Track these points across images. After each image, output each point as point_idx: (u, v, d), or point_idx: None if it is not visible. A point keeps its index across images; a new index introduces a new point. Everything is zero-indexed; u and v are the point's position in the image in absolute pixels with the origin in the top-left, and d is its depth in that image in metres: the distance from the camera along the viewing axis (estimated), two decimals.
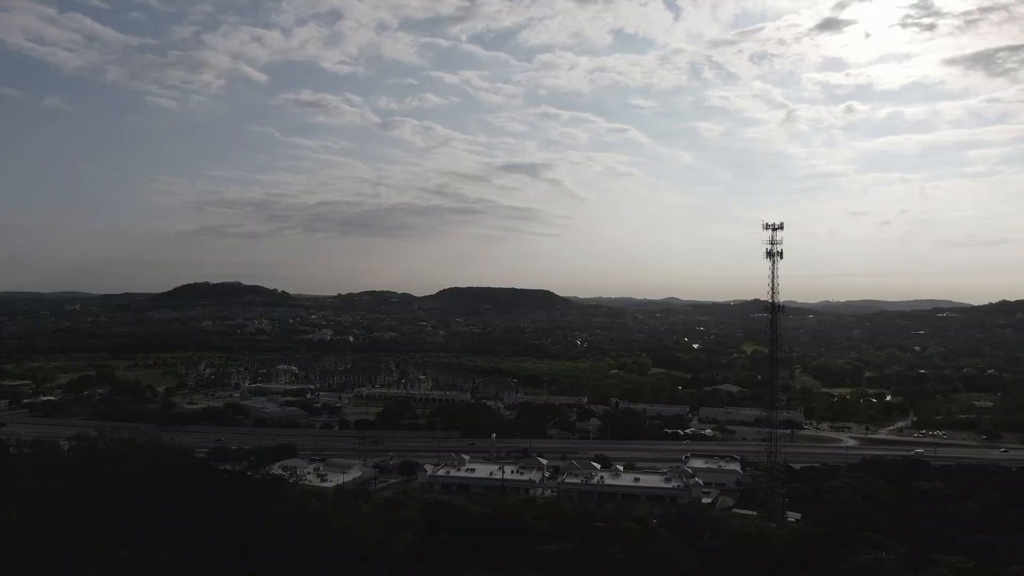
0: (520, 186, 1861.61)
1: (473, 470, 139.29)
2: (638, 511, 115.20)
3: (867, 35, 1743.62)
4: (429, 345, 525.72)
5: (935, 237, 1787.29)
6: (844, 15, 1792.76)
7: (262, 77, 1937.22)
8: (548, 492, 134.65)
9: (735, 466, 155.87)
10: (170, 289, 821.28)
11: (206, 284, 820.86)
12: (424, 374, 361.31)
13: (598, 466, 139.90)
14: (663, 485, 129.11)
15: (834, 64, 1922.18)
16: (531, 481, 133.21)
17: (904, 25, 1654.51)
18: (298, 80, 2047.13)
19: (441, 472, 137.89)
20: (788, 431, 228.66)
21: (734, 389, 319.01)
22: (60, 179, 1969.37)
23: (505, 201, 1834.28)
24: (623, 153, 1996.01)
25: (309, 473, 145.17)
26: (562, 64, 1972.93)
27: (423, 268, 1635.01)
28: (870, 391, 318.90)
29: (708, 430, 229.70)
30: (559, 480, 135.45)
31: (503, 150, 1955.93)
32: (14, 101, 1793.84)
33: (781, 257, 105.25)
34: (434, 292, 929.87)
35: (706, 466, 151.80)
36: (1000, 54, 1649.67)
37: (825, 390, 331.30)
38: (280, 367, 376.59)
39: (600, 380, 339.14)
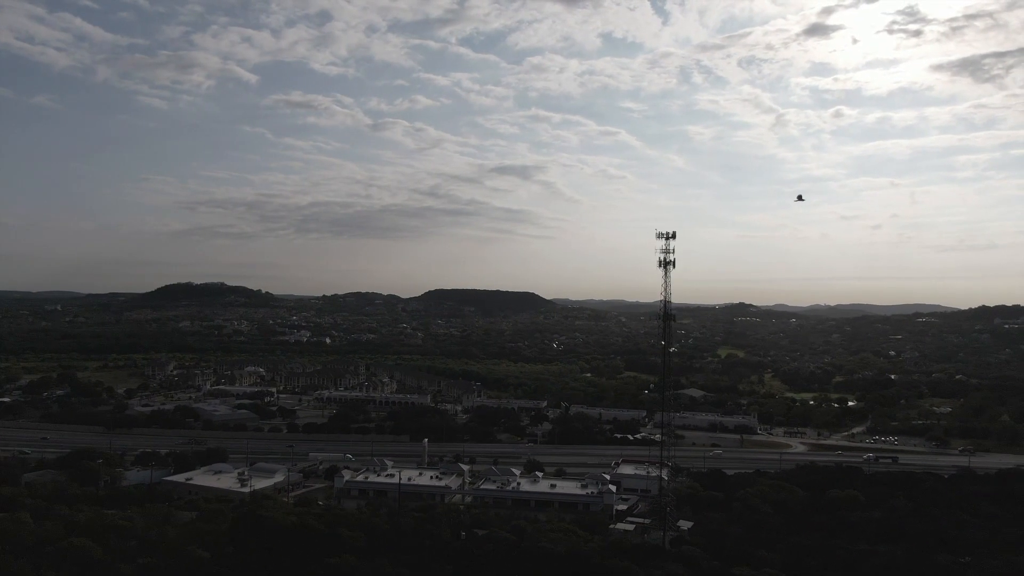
0: (512, 188, 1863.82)
1: (392, 476, 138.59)
2: (548, 517, 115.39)
3: (854, 40, 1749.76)
4: (406, 347, 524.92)
5: (926, 242, 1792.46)
6: (831, 20, 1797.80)
7: (252, 78, 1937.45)
8: (468, 499, 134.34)
9: (666, 473, 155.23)
10: (153, 289, 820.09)
11: (189, 284, 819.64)
12: (389, 377, 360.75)
13: (517, 472, 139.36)
14: (576, 492, 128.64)
15: (822, 69, 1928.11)
16: (447, 487, 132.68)
17: (891, 31, 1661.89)
18: (289, 81, 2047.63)
19: (359, 478, 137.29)
20: (738, 436, 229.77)
21: (698, 393, 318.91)
22: (51, 178, 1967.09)
23: (497, 203, 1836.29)
24: (615, 156, 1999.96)
25: (232, 478, 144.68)
26: (552, 67, 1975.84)
27: (411, 270, 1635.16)
28: (833, 396, 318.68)
29: (657, 435, 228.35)
30: (475, 486, 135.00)
31: (495, 152, 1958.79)
32: (3, 100, 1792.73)
33: (674, 266, 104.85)
34: (419, 294, 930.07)
35: (634, 472, 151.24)
36: (986, 60, 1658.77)
37: (791, 395, 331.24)
38: (248, 369, 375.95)
39: (566, 384, 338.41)
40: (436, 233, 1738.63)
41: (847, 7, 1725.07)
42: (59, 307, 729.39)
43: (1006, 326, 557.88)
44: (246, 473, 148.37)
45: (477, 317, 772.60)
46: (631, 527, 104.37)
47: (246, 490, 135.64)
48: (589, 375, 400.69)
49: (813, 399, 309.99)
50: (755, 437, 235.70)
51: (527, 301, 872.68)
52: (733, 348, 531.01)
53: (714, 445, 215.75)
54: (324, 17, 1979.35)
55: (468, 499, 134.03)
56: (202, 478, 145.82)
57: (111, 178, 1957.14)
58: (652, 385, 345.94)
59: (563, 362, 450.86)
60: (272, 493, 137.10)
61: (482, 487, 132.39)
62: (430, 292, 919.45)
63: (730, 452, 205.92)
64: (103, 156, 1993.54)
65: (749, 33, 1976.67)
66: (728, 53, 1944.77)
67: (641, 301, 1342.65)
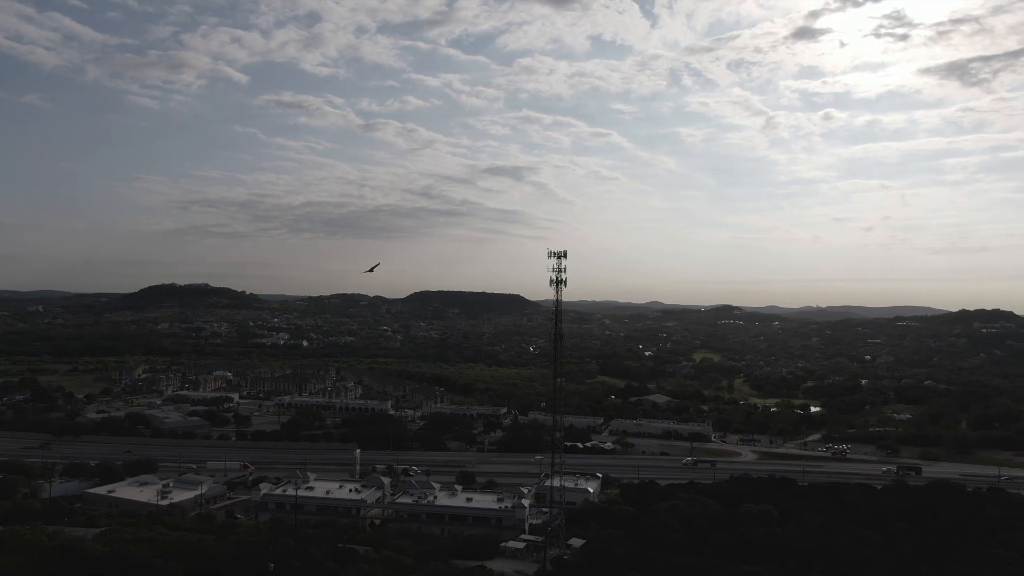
0: (505, 189, 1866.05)
1: (312, 488, 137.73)
2: (465, 532, 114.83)
3: (842, 44, 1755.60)
4: (383, 350, 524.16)
5: (917, 244, 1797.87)
6: (818, 24, 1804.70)
7: (243, 78, 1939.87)
8: (386, 512, 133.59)
9: (594, 484, 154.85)
10: (136, 290, 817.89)
11: (173, 285, 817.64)
12: (353, 381, 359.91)
13: (436, 486, 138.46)
14: (491, 506, 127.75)
15: (811, 72, 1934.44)
16: (362, 501, 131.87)
17: (878, 35, 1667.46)
18: (279, 81, 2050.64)
19: (278, 491, 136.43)
20: (688, 444, 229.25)
21: (662, 399, 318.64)
22: (43, 177, 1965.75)
23: (490, 204, 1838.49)
24: (607, 157, 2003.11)
25: (154, 490, 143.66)
26: (541, 68, 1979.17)
27: (400, 271, 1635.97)
28: (797, 402, 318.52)
29: (608, 444, 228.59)
30: (390, 500, 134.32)
31: (487, 153, 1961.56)
32: None
33: (565, 285, 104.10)
34: (404, 296, 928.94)
35: (563, 484, 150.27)
36: (973, 64, 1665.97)
37: (756, 401, 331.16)
38: (216, 373, 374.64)
39: (532, 389, 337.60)
40: (430, 233, 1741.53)
41: (833, 11, 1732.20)
42: (40, 308, 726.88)
43: (984, 330, 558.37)
44: (170, 485, 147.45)
45: (460, 319, 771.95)
46: (522, 545, 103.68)
47: (164, 503, 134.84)
48: (562, 379, 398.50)
49: (776, 405, 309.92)
50: (708, 445, 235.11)
51: (512, 303, 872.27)
52: (710, 352, 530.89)
53: (663, 454, 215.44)
54: (313, 18, 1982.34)
55: (386, 512, 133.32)
56: (125, 490, 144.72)
57: (103, 177, 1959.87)
58: (622, 388, 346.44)
59: (538, 366, 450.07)
60: (190, 505, 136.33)
61: (398, 501, 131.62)
62: (415, 294, 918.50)
63: (670, 461, 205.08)
64: (95, 155, 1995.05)
65: (737, 36, 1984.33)
66: (717, 56, 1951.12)
67: (634, 302, 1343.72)
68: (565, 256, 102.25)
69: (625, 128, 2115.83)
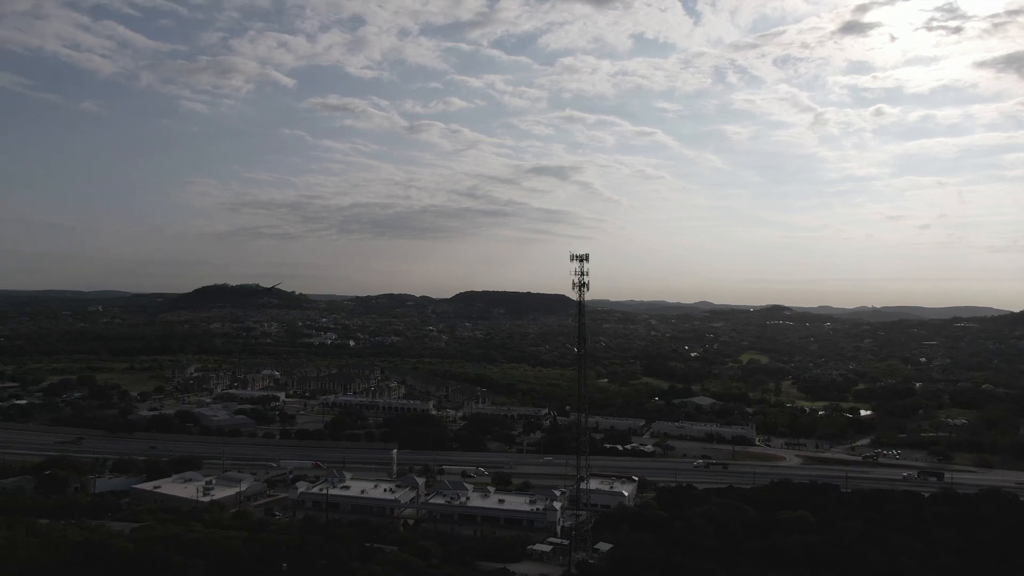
0: (550, 188, 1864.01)
1: (347, 487, 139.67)
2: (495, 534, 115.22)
3: (892, 38, 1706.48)
4: (429, 350, 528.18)
5: (976, 242, 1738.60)
6: (867, 18, 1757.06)
7: (290, 81, 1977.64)
8: (420, 512, 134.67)
9: (629, 488, 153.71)
10: (190, 291, 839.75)
11: (225, 286, 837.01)
12: (397, 381, 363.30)
13: (469, 487, 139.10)
14: (522, 508, 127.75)
15: (860, 67, 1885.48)
16: (396, 501, 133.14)
17: (930, 28, 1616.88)
18: (325, 84, 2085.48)
19: (315, 489, 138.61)
20: (730, 448, 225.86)
21: (706, 402, 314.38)
22: (100, 181, 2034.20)
23: (536, 203, 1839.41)
24: (651, 156, 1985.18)
25: (197, 487, 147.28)
26: (584, 68, 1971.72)
27: (446, 271, 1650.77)
28: (845, 406, 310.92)
29: (649, 446, 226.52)
30: (424, 500, 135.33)
31: (531, 153, 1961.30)
32: (53, 105, 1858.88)
33: (588, 288, 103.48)
34: (450, 296, 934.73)
35: (597, 487, 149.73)
36: None
37: (804, 404, 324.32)
38: (265, 372, 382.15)
39: (574, 390, 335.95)
40: (475, 234, 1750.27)
41: (882, 4, 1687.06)
42: (100, 308, 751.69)
43: None
44: (212, 482, 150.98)
45: (506, 319, 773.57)
46: (548, 548, 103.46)
47: (206, 500, 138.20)
48: (605, 380, 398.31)
49: (823, 409, 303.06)
50: (751, 449, 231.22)
51: (557, 303, 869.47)
52: (758, 353, 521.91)
53: (704, 457, 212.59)
54: (357, 22, 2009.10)
55: (422, 513, 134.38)
56: (170, 486, 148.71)
57: (158, 181, 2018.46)
58: (665, 389, 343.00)
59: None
60: (231, 502, 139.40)
61: (431, 501, 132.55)
62: (461, 294, 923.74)
63: (737, 466, 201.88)
64: (150, 160, 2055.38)
65: (783, 32, 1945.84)
66: (762, 52, 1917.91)
67: (682, 302, 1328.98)
68: (587, 259, 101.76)
69: (670, 126, 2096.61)
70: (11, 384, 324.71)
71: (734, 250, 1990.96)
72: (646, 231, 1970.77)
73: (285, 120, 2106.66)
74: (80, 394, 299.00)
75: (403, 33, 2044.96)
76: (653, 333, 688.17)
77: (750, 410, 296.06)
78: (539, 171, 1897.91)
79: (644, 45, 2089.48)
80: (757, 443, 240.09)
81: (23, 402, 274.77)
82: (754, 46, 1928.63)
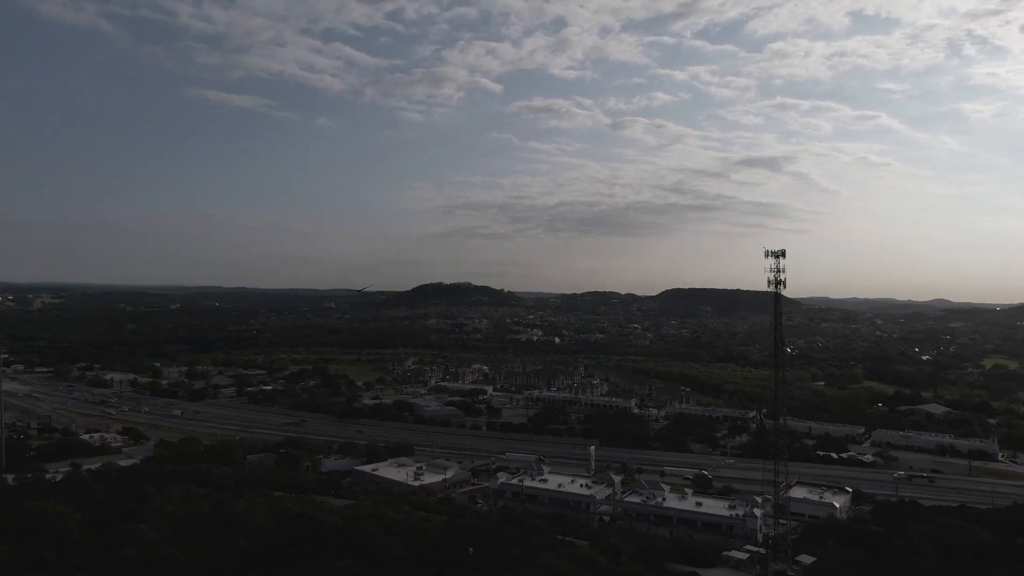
0: (760, 181, 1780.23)
1: (545, 480, 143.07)
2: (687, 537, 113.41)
3: None
4: (632, 348, 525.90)
5: None
6: None
7: (497, 87, 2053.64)
8: (616, 510, 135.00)
9: (841, 499, 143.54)
10: (409, 289, 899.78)
11: (440, 284, 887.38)
12: (600, 378, 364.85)
13: (666, 487, 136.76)
14: (720, 512, 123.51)
15: None
16: (592, 497, 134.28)
17: None
18: (530, 87, 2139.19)
19: (514, 481, 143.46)
20: (965, 462, 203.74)
21: (938, 410, 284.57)
22: (331, 189, 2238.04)
23: (746, 197, 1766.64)
24: (875, 142, 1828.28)
25: (409, 471, 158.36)
26: (795, 52, 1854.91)
27: (651, 268, 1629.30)
28: None
29: (868, 456, 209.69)
30: (619, 498, 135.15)
31: (739, 144, 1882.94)
32: (291, 122, 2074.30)
33: (784, 286, 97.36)
34: (656, 293, 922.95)
35: (806, 496, 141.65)
36: None
37: None
38: (474, 367, 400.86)
39: (785, 392, 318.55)
40: (681, 229, 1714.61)
41: None
42: (333, 304, 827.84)
43: None
44: (423, 468, 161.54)
45: (713, 317, 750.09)
46: (745, 556, 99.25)
47: (416, 484, 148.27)
48: (822, 383, 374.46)
49: None
50: (992, 465, 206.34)
51: (769, 300, 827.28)
52: (1005, 358, 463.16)
53: (933, 471, 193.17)
54: (559, 24, 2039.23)
55: (618, 510, 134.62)
56: (385, 470, 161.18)
57: (380, 187, 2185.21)
58: (890, 395, 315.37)
59: (795, 368, 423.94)
60: (438, 488, 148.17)
61: (626, 499, 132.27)
62: (667, 291, 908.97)
63: (945, 481, 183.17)
64: (373, 168, 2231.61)
65: None
66: (1006, 19, 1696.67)
67: (914, 300, 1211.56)
68: (783, 255, 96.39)
69: (895, 108, 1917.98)
70: (260, 372, 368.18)
71: (975, 242, 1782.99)
72: (869, 223, 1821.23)
73: (493, 124, 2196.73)
74: (315, 383, 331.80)
75: (604, 31, 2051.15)
76: (878, 333, 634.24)
77: (992, 422, 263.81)
78: (749, 163, 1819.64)
79: (863, 22, 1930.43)
80: (1000, 459, 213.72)
81: (268, 388, 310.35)
82: (996, 12, 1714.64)
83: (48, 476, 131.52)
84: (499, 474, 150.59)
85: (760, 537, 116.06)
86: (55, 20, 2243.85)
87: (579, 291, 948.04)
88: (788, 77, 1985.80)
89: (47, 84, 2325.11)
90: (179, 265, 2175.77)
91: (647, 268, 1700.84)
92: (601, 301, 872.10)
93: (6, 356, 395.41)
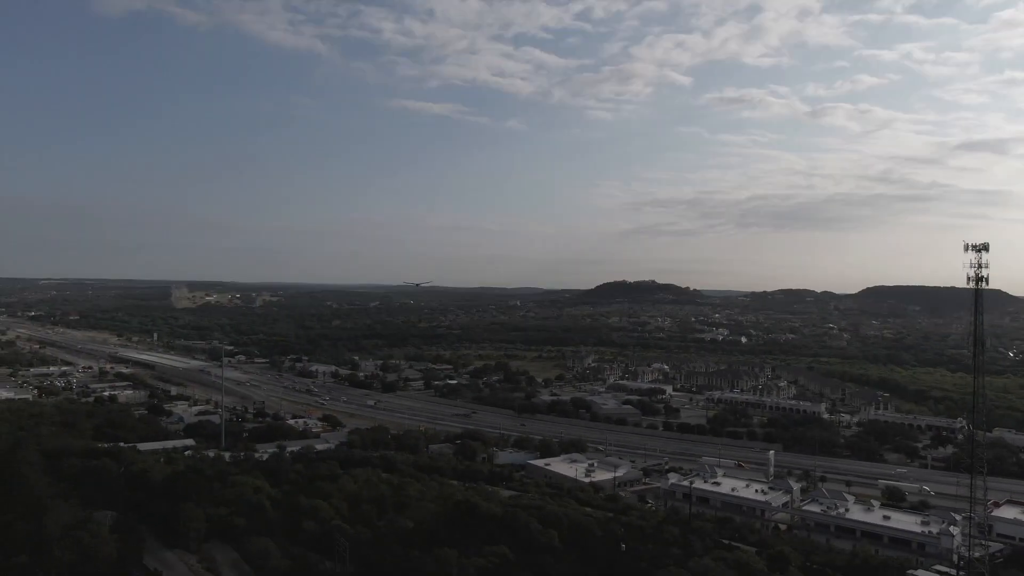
0: (984, 166, 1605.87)
1: (718, 484, 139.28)
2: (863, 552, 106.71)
3: None
4: (826, 349, 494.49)
5: None
6: None
7: (686, 80, 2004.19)
8: (794, 518, 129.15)
9: None
10: (593, 287, 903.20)
11: (624, 282, 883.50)
12: (787, 381, 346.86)
13: (851, 498, 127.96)
14: (911, 528, 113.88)
15: None
16: (767, 503, 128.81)
17: None
18: (721, 78, 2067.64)
19: (685, 482, 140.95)
20: None
21: None
22: (523, 189, 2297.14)
23: (966, 184, 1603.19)
24: None
25: (581, 467, 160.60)
26: None
27: (852, 264, 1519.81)
28: None
29: None
30: (797, 506, 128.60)
31: (958, 127, 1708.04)
32: (483, 126, 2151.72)
33: (987, 283, 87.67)
34: (856, 291, 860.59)
35: (1016, 517, 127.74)
36: None
37: None
38: (654, 366, 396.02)
39: (1004, 402, 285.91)
40: (887, 222, 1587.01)
41: None
42: (518, 302, 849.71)
43: None
44: (594, 465, 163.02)
45: (922, 317, 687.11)
46: None
47: (586, 480, 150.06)
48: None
49: None
50: None
51: (990, 300, 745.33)
52: None
53: None
54: (753, 10, 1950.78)
55: (795, 519, 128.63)
56: (558, 465, 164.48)
57: (568, 186, 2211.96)
58: None
59: (1018, 374, 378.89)
60: (607, 485, 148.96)
61: (804, 508, 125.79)
62: (868, 289, 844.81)
63: None
64: (561, 167, 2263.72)
65: None
66: None
67: None
68: (987, 249, 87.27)
69: None
70: (446, 367, 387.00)
71: None
72: None
73: (682, 118, 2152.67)
74: (497, 378, 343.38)
75: (803, 14, 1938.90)
76: None
77: None
78: (970, 147, 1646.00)
79: None
80: None
81: (453, 382, 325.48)
82: None
83: (257, 455, 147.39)
84: (670, 475, 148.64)
85: (955, 558, 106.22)
86: (278, 44, 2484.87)
87: (770, 289, 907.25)
88: (1019, 49, 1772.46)
89: (268, 103, 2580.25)
90: (379, 265, 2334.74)
91: (846, 264, 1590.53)
92: (794, 299, 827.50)
93: (231, 348, 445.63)
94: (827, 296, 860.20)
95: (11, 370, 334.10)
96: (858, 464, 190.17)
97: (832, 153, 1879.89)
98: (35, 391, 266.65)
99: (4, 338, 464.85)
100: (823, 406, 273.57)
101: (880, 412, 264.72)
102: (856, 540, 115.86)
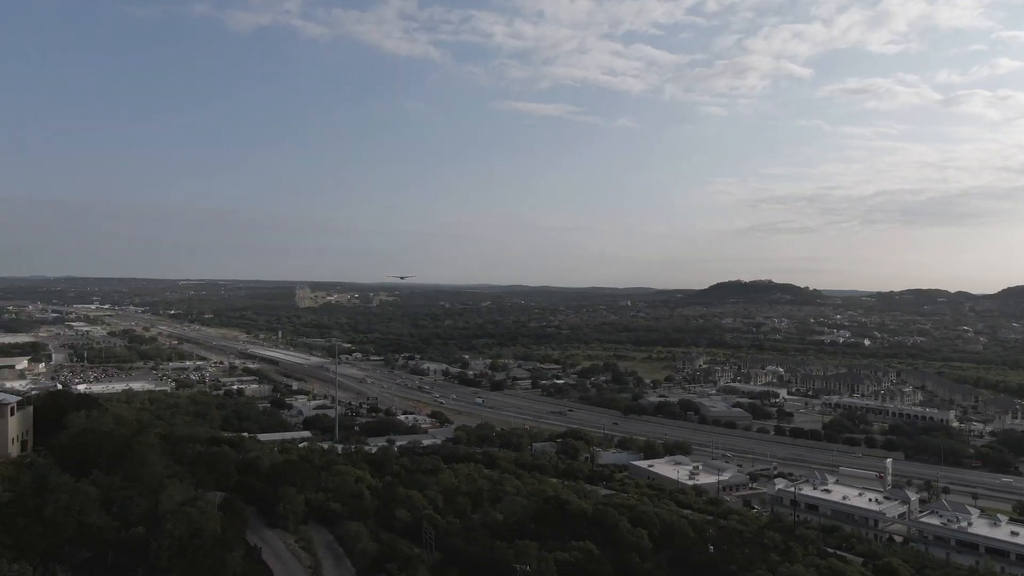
0: None
1: (828, 491, 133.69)
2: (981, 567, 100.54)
3: None
4: (959, 353, 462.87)
5: None
6: None
7: (805, 72, 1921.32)
8: (910, 530, 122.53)
9: None
10: (706, 287, 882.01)
11: (738, 282, 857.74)
12: (913, 386, 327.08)
13: (975, 511, 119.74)
14: None
15: None
16: (880, 513, 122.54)
17: None
18: (843, 68, 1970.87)
19: (792, 488, 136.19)
20: None
21: None
22: (633, 188, 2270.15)
23: None
24: None
25: (685, 470, 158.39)
26: None
27: (991, 262, 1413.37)
28: None
29: None
30: (914, 518, 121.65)
31: None
32: (594, 125, 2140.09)
33: None
34: (994, 291, 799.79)
35: None
36: None
37: None
38: (768, 368, 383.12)
39: None
40: None
41: None
42: (629, 302, 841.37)
43: None
44: (699, 468, 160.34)
45: None
46: None
47: (690, 483, 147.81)
48: None
49: None
50: None
51: None
52: None
53: None
54: None
55: (912, 531, 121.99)
56: (661, 467, 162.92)
57: (681, 184, 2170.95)
58: None
59: None
60: (711, 488, 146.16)
61: (921, 520, 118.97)
62: (1009, 289, 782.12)
63: None
64: (674, 165, 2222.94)
65: None
66: None
67: None
68: None
69: None
70: (554, 366, 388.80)
71: None
72: None
73: (801, 111, 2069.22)
74: (604, 378, 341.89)
75: None
76: None
77: None
78: None
79: None
80: None
81: (560, 382, 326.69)
82: None
83: (366, 448, 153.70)
84: (777, 480, 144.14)
85: None
86: (393, 52, 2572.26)
87: (897, 289, 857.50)
88: None
89: (384, 110, 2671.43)
90: (492, 266, 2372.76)
91: (984, 262, 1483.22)
92: (924, 300, 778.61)
93: (348, 346, 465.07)
94: (962, 296, 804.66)
95: (152, 364, 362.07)
96: (988, 476, 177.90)
97: (968, 143, 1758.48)
98: (173, 383, 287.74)
99: (147, 335, 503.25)
100: (952, 413, 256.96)
101: (1017, 421, 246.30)
102: (979, 556, 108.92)
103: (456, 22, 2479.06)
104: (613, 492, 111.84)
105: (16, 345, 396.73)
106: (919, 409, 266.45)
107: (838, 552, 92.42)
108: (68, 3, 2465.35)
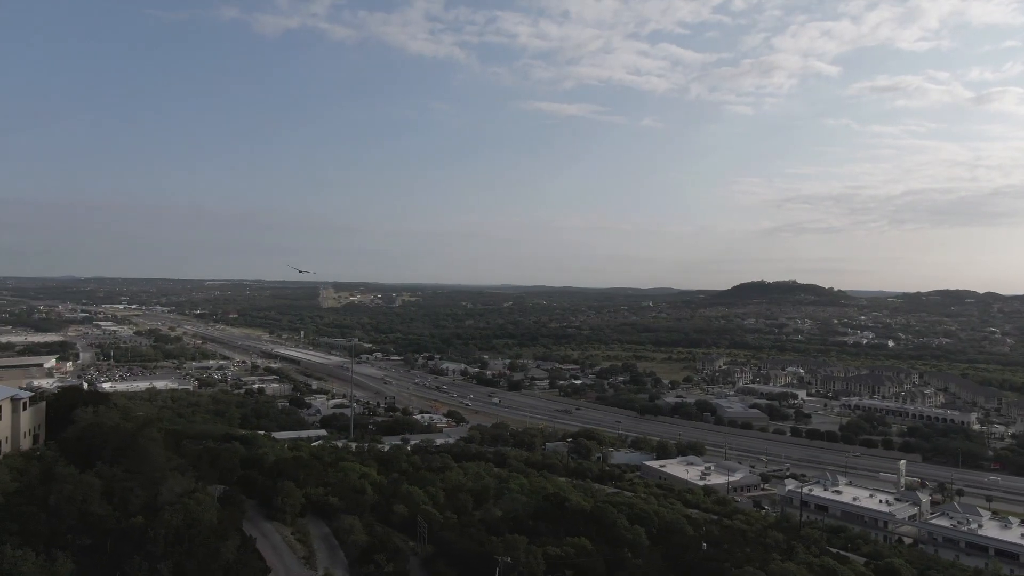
0: None
1: (839, 492, 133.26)
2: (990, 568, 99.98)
3: None
4: (985, 355, 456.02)
5: None
6: None
7: (833, 70, 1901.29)
8: (920, 532, 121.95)
9: None
10: (729, 287, 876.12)
11: (762, 283, 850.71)
12: (934, 388, 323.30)
13: (986, 514, 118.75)
14: None
15: None
16: (890, 515, 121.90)
17: None
18: (872, 66, 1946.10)
19: (805, 489, 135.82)
20: None
21: None
22: (657, 188, 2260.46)
23: None
24: None
25: (696, 470, 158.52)
26: None
27: (1021, 262, 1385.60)
28: None
29: None
30: (924, 519, 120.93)
31: None
32: (617, 125, 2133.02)
33: None
34: None
35: None
36: None
37: None
38: (789, 369, 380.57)
39: None
40: None
41: None
42: (651, 303, 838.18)
43: None
44: (710, 468, 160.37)
45: None
46: None
47: (701, 483, 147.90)
48: None
49: None
50: None
51: None
52: None
53: None
54: None
55: (922, 533, 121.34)
56: (673, 467, 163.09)
57: (705, 183, 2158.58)
58: None
59: None
60: (722, 489, 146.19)
61: (931, 522, 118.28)
62: None
63: None
64: (698, 165, 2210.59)
65: None
66: None
67: None
68: None
69: None
70: (573, 366, 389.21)
71: None
72: None
73: (828, 110, 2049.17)
74: (623, 379, 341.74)
75: None
76: None
77: None
78: None
79: None
80: None
81: (578, 382, 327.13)
82: None
83: (380, 447, 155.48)
84: (787, 481, 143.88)
85: None
86: (419, 53, 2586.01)
87: (924, 289, 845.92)
88: None
89: (409, 110, 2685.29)
90: (514, 266, 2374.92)
91: (1015, 262, 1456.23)
92: (952, 301, 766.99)
93: (368, 345, 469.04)
94: (990, 297, 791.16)
95: (176, 363, 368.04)
96: (1008, 479, 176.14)
97: (1000, 142, 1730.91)
98: (195, 382, 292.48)
99: (173, 334, 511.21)
100: (974, 416, 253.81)
101: None
102: (988, 558, 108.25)
103: (481, 23, 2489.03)
104: (618, 491, 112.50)
105: (45, 344, 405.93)
106: (939, 411, 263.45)
107: (841, 552, 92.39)
108: (96, 7, 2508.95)
